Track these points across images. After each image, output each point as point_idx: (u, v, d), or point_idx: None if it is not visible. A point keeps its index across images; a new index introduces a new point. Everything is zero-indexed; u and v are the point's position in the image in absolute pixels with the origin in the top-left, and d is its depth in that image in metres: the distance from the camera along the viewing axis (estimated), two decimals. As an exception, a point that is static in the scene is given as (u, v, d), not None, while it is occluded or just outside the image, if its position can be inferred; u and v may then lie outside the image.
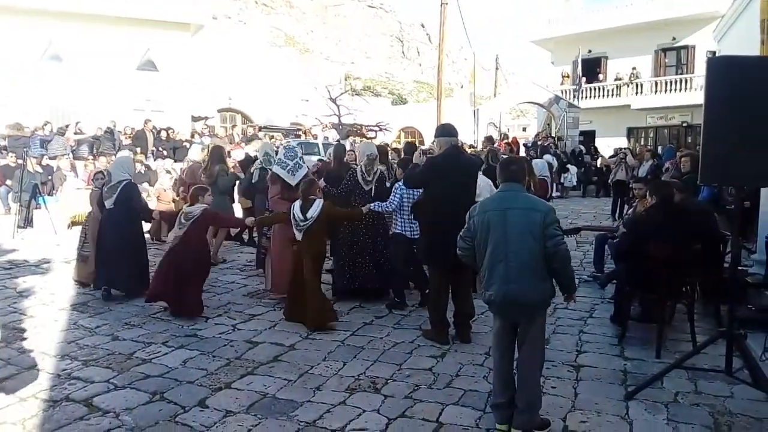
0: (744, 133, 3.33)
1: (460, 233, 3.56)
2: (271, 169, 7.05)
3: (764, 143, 3.34)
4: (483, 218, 3.38)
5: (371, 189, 6.15)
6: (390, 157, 8.05)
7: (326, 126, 18.74)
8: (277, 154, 7.22)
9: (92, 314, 5.80)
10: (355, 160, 7.48)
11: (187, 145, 15.42)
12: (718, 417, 3.55)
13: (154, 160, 14.57)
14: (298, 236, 5.48)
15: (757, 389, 3.64)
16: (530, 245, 3.23)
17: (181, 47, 20.84)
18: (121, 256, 6.17)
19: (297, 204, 5.53)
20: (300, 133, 18.44)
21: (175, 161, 13.89)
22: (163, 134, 16.22)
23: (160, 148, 15.61)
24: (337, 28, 57.28)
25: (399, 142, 26.18)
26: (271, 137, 16.30)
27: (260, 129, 17.20)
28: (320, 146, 16.28)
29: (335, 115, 18.32)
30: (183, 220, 5.80)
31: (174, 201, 10.02)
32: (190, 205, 5.90)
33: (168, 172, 12.42)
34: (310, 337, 5.12)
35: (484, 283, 3.43)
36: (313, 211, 5.42)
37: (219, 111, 22.70)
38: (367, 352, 4.74)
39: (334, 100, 18.20)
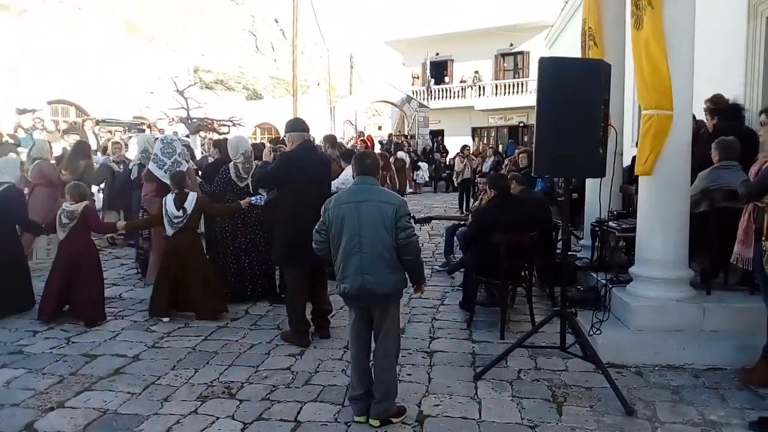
0: (569, 128, 3.65)
1: (316, 227, 3.52)
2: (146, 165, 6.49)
3: (587, 138, 3.68)
4: (337, 211, 3.38)
5: (247, 185, 5.85)
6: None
7: (173, 120, 17.62)
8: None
9: None
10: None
11: (10, 140, 13.58)
12: (555, 390, 3.87)
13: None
14: (170, 232, 5.23)
15: (587, 362, 4.03)
16: (383, 237, 3.29)
17: (1, 31, 18.38)
18: None
19: (170, 198, 5.24)
20: (144, 127, 17.16)
21: (-6, 158, 12.17)
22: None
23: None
24: (185, 17, 54.25)
25: (255, 138, 25.49)
26: (109, 132, 14.98)
27: (98, 123, 15.69)
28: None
29: (183, 108, 17.23)
30: (64, 220, 5.17)
31: None
32: (72, 203, 5.22)
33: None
34: (156, 345, 4.77)
35: (338, 276, 3.42)
36: (189, 204, 5.20)
37: (49, 103, 20.31)
38: (221, 357, 4.51)
39: (181, 93, 17.11)
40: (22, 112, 17.09)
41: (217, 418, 3.50)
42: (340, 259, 3.39)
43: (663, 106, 4.35)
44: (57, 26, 25.27)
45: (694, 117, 5.19)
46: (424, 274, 3.62)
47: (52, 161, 7.84)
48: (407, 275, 3.47)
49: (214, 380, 4.07)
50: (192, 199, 5.27)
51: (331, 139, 7.72)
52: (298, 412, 3.57)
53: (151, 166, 5.73)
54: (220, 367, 4.30)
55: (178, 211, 5.20)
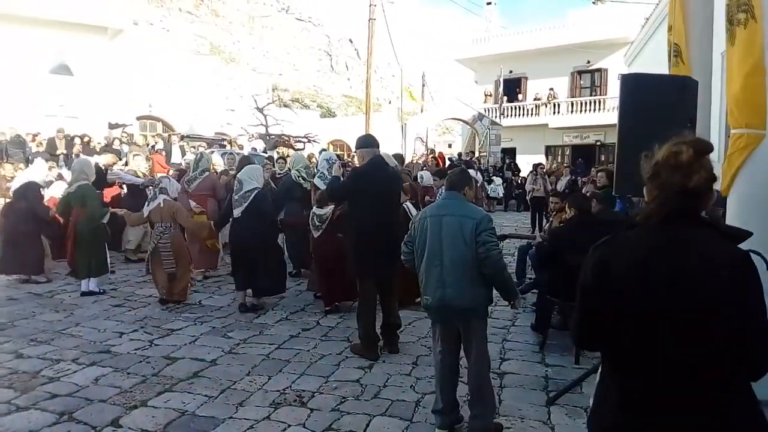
0: (654, 145, 3.51)
1: (404, 239, 3.62)
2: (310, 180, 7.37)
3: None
4: (422, 224, 3.45)
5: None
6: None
7: (253, 136, 18.37)
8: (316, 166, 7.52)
9: (-9, 331, 5.35)
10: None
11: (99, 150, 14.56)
12: (633, 418, 3.70)
13: (68, 168, 13.64)
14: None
15: (667, 390, 3.82)
16: (461, 250, 3.30)
17: (98, 52, 19.94)
18: (256, 264, 6.10)
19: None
20: (225, 143, 17.98)
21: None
22: (77, 141, 15.30)
23: (73, 156, 14.67)
24: (265, 39, 56.57)
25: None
26: (194, 147, 15.77)
27: (182, 138, 16.60)
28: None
29: (262, 125, 17.95)
30: (317, 222, 6.19)
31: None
32: (319, 208, 6.19)
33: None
34: (233, 351, 4.94)
35: (422, 288, 3.48)
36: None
37: (138, 118, 21.70)
38: (293, 365, 4.62)
39: (261, 110, 17.83)
40: (113, 126, 18.33)
41: (289, 426, 3.58)
42: (422, 272, 3.44)
43: (755, 125, 4.11)
44: (147, 47, 27.02)
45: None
46: (515, 290, 3.56)
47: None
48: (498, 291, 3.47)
49: (287, 388, 4.17)
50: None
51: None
52: (367, 425, 3.60)
53: (317, 181, 6.66)
54: (293, 376, 4.40)
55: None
